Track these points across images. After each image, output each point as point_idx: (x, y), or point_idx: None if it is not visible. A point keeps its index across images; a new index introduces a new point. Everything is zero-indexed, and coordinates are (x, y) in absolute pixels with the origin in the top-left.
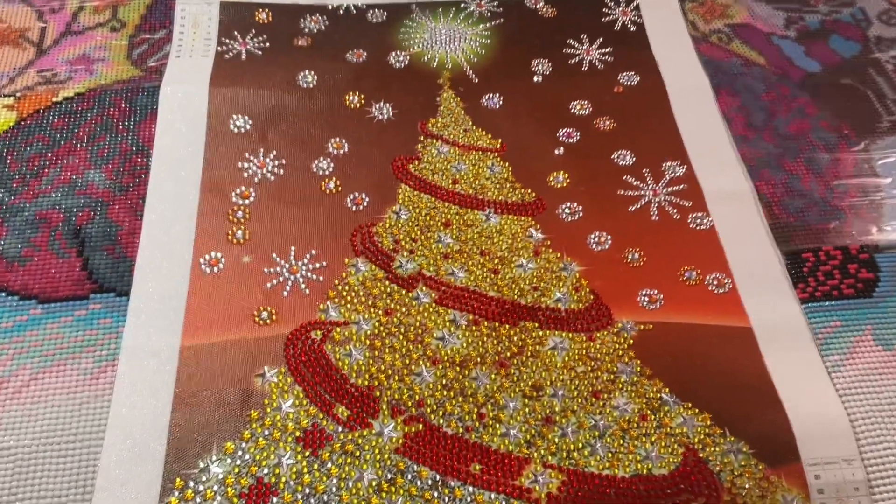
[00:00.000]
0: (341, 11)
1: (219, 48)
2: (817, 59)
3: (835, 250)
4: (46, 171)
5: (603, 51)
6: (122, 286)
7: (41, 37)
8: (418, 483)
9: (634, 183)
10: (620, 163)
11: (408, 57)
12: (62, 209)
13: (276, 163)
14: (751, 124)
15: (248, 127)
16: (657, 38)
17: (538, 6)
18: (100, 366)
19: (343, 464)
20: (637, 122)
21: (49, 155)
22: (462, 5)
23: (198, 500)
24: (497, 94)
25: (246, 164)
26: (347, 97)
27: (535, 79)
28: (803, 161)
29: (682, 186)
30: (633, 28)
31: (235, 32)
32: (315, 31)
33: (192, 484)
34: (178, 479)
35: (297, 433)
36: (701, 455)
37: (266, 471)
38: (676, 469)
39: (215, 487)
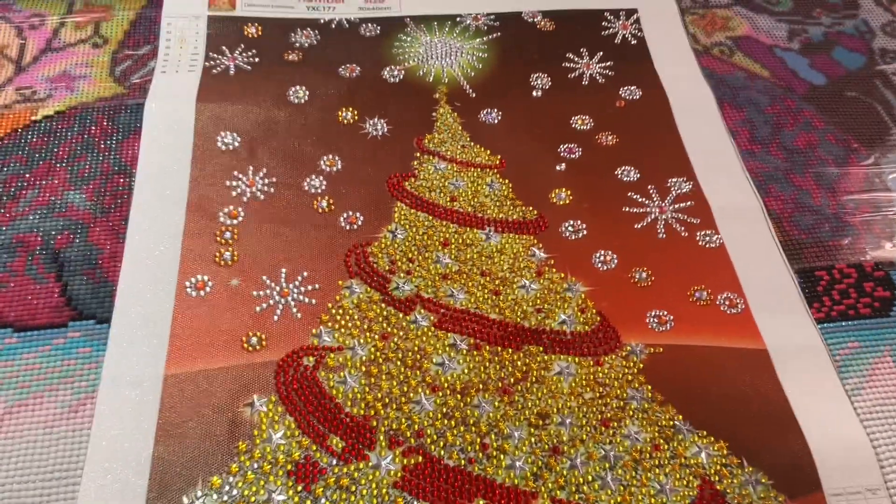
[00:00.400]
0: (333, 25)
1: (206, 63)
2: (822, 71)
3: (849, 268)
4: (24, 192)
5: (603, 65)
6: (102, 313)
7: (20, 53)
8: None
9: (639, 200)
10: (624, 179)
11: (402, 71)
12: (40, 232)
13: (266, 181)
14: (756, 138)
15: (236, 144)
16: (658, 52)
17: (536, 20)
18: (79, 398)
19: (338, 500)
20: (640, 137)
21: (27, 176)
22: (458, 19)
23: None
24: (495, 110)
25: (234, 183)
26: (340, 113)
27: (535, 93)
28: (812, 176)
29: (689, 203)
30: (633, 41)
31: (223, 47)
32: (306, 45)
33: None
34: None
35: (289, 466)
36: (718, 487)
37: None
38: (692, 503)
39: None
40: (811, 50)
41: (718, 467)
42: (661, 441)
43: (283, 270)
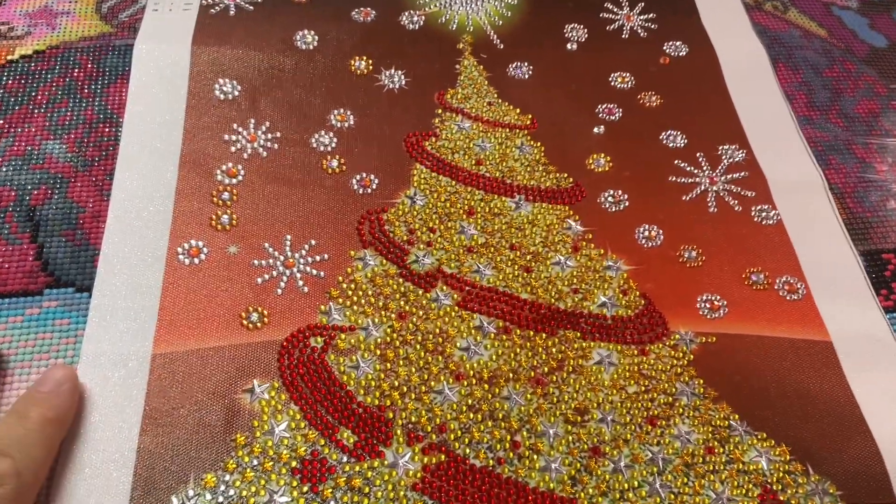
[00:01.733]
0: None
1: (203, 1)
2: (883, 32)
3: None
4: None
5: (645, 17)
6: (83, 280)
7: None
8: None
9: (687, 168)
10: (670, 145)
11: (423, 17)
12: (14, 186)
13: (269, 136)
14: (814, 103)
15: (236, 93)
16: (706, 5)
17: None
18: None
19: (349, 503)
20: (687, 98)
21: (1, 122)
22: None
23: None
24: (526, 63)
25: (233, 137)
26: (353, 62)
27: (569, 46)
28: (876, 147)
29: (742, 174)
30: None
31: None
32: None
33: None
34: None
35: (293, 463)
36: (781, 498)
37: None
38: None
39: None
40: (871, 9)
41: (781, 475)
42: (716, 443)
43: (288, 237)
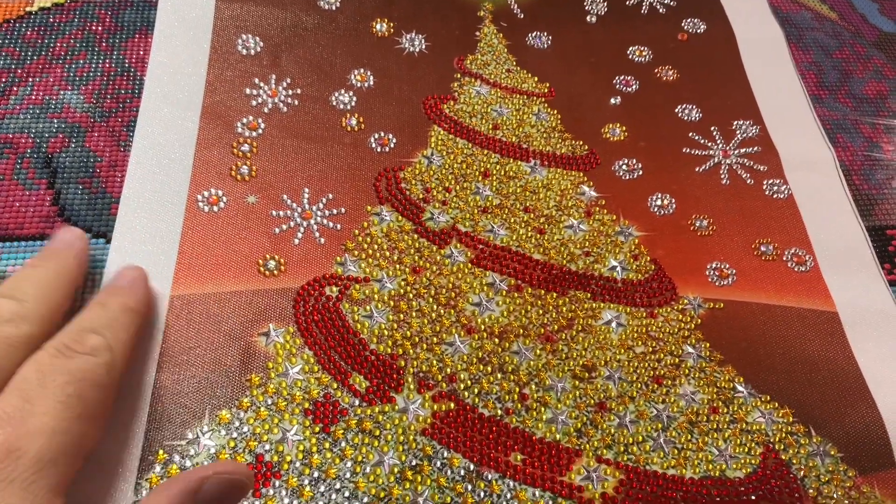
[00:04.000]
0: None
1: None
2: (892, 17)
3: None
4: (15, 88)
5: None
6: (98, 226)
7: None
8: (448, 472)
9: (701, 141)
10: (685, 118)
11: None
12: (31, 134)
13: (290, 92)
14: (824, 83)
15: (258, 49)
16: None
17: None
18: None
19: (360, 444)
20: (703, 73)
21: (19, 71)
22: None
23: None
24: (545, 34)
25: (255, 91)
26: (374, 24)
27: (589, 19)
28: (883, 128)
29: (755, 149)
30: None
31: None
32: None
33: (177, 458)
34: (160, 451)
35: (306, 404)
36: (783, 457)
37: (268, 447)
38: (754, 472)
39: (206, 464)
40: None
41: (783, 435)
42: (720, 403)
43: (306, 190)
